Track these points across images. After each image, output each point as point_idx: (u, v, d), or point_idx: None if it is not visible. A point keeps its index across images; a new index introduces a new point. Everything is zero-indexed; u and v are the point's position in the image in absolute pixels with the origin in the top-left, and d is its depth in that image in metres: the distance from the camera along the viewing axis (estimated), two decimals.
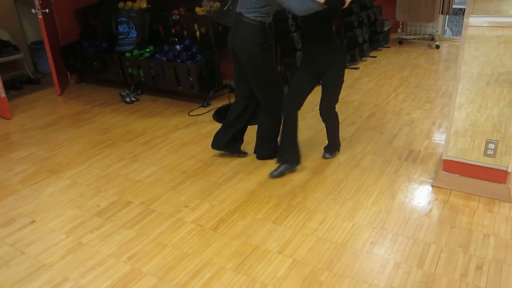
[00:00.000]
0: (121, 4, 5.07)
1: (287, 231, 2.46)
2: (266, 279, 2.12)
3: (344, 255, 2.26)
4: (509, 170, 2.63)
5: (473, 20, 2.45)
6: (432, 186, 2.84)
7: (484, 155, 2.67)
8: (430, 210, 2.60)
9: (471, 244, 2.30)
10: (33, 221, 2.71)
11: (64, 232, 2.58)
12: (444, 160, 2.80)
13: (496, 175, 2.67)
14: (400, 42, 6.79)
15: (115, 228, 2.58)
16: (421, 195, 2.76)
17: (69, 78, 5.63)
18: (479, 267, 2.14)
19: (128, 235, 2.51)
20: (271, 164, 3.16)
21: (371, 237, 2.38)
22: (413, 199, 2.72)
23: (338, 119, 3.15)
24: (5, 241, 2.53)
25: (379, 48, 6.50)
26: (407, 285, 2.05)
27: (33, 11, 4.74)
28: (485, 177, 2.70)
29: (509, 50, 2.46)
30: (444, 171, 2.82)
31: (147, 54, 4.66)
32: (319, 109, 3.02)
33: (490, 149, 2.64)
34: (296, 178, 3.01)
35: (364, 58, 5.99)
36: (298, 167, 3.10)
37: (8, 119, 4.44)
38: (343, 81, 3.02)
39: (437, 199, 2.71)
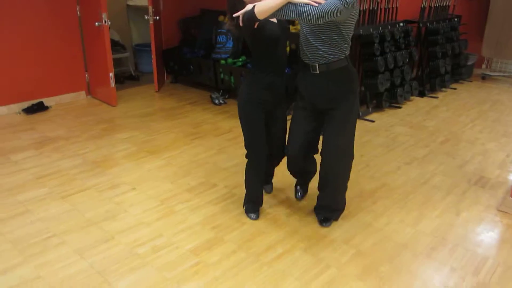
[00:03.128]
0: (221, 18, 5.64)
1: (354, 227, 2.72)
2: (330, 261, 2.39)
3: (404, 254, 2.47)
4: None
5: None
6: (498, 210, 2.95)
7: None
8: (493, 230, 2.73)
9: None
10: (134, 188, 3.19)
11: (160, 200, 3.03)
12: None
13: None
14: (483, 77, 6.77)
15: (203, 203, 2.99)
16: (485, 216, 2.89)
17: (165, 78, 6.28)
18: None
19: (213, 210, 2.90)
20: None
21: (431, 244, 2.57)
22: (477, 218, 2.86)
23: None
24: (112, 200, 3.03)
25: (460, 81, 6.54)
26: (461, 287, 2.23)
27: (145, 17, 5.42)
28: None
29: None
30: None
31: (240, 63, 5.16)
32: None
33: None
34: (367, 186, 3.26)
35: (444, 89, 6.07)
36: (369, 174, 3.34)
37: (114, 106, 5.10)
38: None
39: (501, 221, 2.83)
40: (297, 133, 2.62)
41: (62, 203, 2.97)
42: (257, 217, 2.79)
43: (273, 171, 3.07)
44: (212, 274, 2.28)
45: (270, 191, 3.12)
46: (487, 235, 2.68)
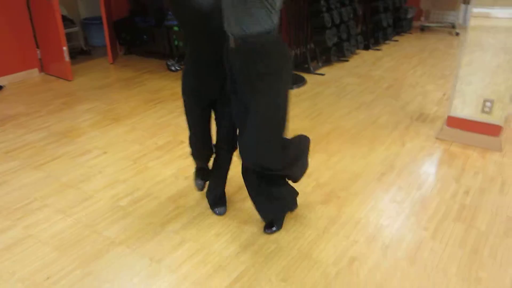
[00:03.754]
0: None
1: (312, 165, 3.03)
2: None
3: (358, 181, 2.81)
4: (501, 125, 3.13)
5: (475, 11, 2.95)
6: (436, 138, 3.35)
7: (481, 112, 3.17)
8: (432, 155, 3.13)
9: (463, 177, 2.83)
10: (105, 152, 3.34)
11: (132, 160, 3.20)
12: (448, 116, 3.31)
13: (490, 129, 3.17)
14: (422, 29, 7.22)
15: (174, 158, 3.19)
16: (426, 145, 3.28)
17: (119, 50, 6.28)
18: (466, 192, 2.67)
19: (184, 163, 3.11)
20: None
21: (381, 171, 2.93)
22: (419, 147, 3.24)
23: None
24: (85, 164, 3.17)
25: (401, 33, 6.95)
26: (407, 200, 2.59)
27: None
28: (481, 131, 3.20)
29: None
30: (448, 126, 3.33)
31: None
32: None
33: (487, 107, 3.14)
34: (321, 130, 3.57)
35: (387, 42, 6.46)
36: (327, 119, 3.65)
37: (70, 80, 5.10)
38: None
39: (439, 147, 3.23)
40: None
41: (36, 172, 3.08)
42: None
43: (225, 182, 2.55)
44: (191, 215, 2.52)
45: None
46: (428, 158, 3.07)
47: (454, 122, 3.29)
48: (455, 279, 2.01)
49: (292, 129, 3.54)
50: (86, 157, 3.27)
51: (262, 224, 2.40)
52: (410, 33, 7.06)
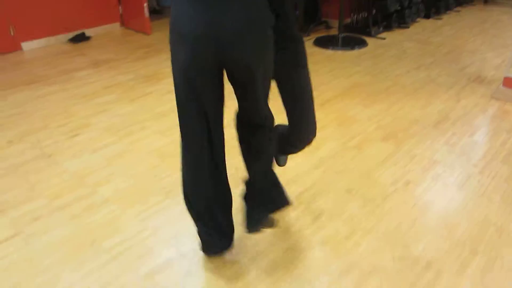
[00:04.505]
0: None
1: (373, 111, 3.36)
2: (359, 131, 3.06)
3: (415, 126, 3.13)
4: None
5: None
6: (492, 97, 3.59)
7: None
8: (486, 110, 3.38)
9: None
10: None
11: None
12: (504, 77, 3.53)
13: None
14: (486, 1, 7.19)
15: None
16: (481, 102, 3.52)
17: None
18: None
19: None
20: None
21: (437, 119, 3.23)
22: (474, 103, 3.50)
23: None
24: (174, 99, 3.66)
25: (464, 4, 6.97)
26: (460, 143, 2.90)
27: None
28: None
29: None
30: (504, 86, 3.54)
31: None
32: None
33: None
34: (381, 85, 3.88)
35: (448, 12, 6.54)
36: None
37: (148, 34, 5.63)
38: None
39: (493, 105, 3.47)
40: None
41: (132, 103, 3.61)
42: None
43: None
44: None
45: None
46: (482, 113, 3.33)
47: (510, 83, 3.51)
48: (498, 204, 2.34)
49: (354, 83, 3.90)
50: (173, 95, 3.76)
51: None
52: (473, 4, 7.06)
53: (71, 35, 5.39)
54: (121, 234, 2.14)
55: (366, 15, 5.69)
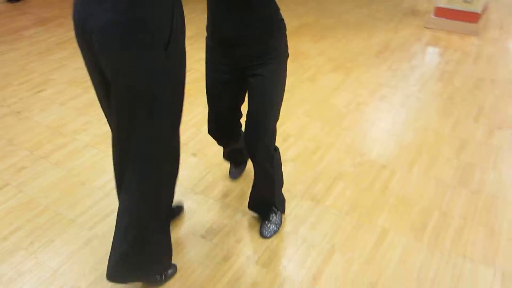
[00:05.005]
0: None
1: (323, 46, 3.64)
2: (312, 65, 3.34)
3: (360, 57, 3.46)
4: (479, 12, 3.74)
5: None
6: (425, 27, 3.97)
7: (463, 2, 3.76)
8: (421, 39, 3.76)
9: (445, 53, 3.50)
10: None
11: None
12: (435, 7, 3.90)
13: (470, 17, 3.79)
14: None
15: None
16: (416, 32, 3.90)
17: None
18: (447, 62, 3.35)
19: None
20: None
21: (378, 49, 3.57)
22: (410, 33, 3.87)
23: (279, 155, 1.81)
24: None
25: None
26: (400, 68, 3.26)
27: None
28: (463, 18, 3.82)
29: None
30: (435, 15, 3.93)
31: None
32: (246, 142, 1.69)
33: None
34: (326, 22, 4.14)
35: None
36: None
37: None
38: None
39: (427, 34, 3.86)
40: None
41: None
42: None
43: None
44: None
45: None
46: (417, 41, 3.71)
47: (440, 12, 3.89)
48: (434, 115, 2.73)
49: (303, 23, 4.15)
50: None
51: None
52: None
53: None
54: (109, 174, 2.33)
55: None
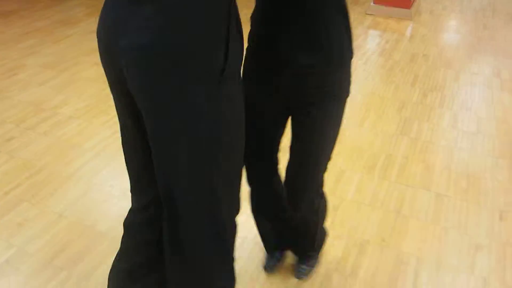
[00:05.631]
0: None
1: None
2: None
3: None
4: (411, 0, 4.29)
5: None
6: (366, 13, 4.47)
7: None
8: (363, 23, 4.25)
9: (384, 34, 3.99)
10: None
11: None
12: None
13: (404, 3, 4.32)
14: None
15: None
16: (358, 17, 4.39)
17: None
18: (386, 42, 3.83)
19: None
20: None
21: None
22: (352, 19, 4.34)
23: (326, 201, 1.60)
24: None
25: None
26: None
27: None
28: (398, 5, 4.35)
29: None
30: (374, 3, 4.43)
31: None
32: (288, 195, 1.46)
33: None
34: None
35: None
36: None
37: None
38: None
39: (368, 19, 4.36)
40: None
41: (58, 44, 3.80)
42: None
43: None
44: None
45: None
46: (360, 25, 4.19)
47: (379, 0, 4.40)
48: (379, 82, 3.18)
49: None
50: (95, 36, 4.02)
51: None
52: None
53: None
54: (96, 137, 2.56)
55: None
